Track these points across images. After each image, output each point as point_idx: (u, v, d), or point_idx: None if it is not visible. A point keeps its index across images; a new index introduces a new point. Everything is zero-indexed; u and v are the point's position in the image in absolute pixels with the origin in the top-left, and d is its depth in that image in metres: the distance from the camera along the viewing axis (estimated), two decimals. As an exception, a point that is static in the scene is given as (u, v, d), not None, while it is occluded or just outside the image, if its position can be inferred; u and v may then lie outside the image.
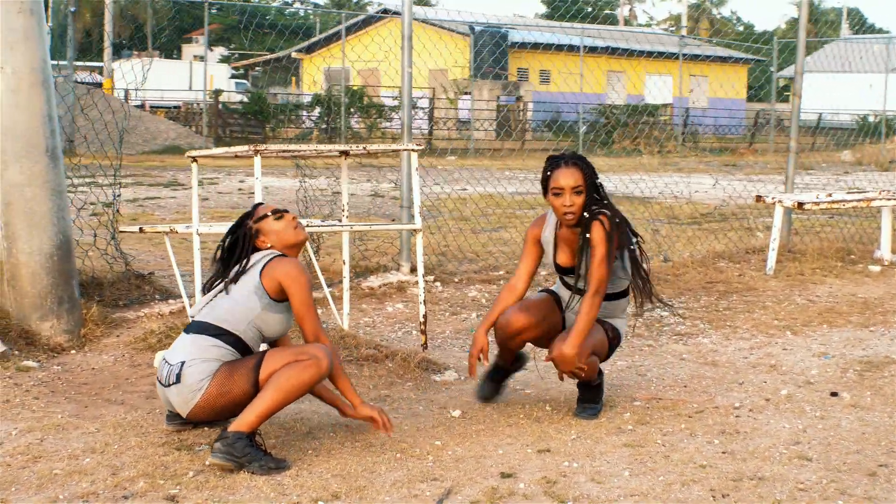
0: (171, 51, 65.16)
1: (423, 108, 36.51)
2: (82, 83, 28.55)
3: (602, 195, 5.61)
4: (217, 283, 5.17)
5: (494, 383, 6.00)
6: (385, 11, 41.16)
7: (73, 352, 6.87)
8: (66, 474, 4.68)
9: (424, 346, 6.72)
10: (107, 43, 45.35)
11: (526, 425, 5.56)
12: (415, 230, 6.73)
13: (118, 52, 57.52)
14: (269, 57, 50.76)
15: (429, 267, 9.34)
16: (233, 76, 56.73)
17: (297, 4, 52.89)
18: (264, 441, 4.93)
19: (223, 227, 6.86)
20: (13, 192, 6.87)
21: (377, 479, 4.71)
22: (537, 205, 15.88)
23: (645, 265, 5.77)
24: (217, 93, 35.94)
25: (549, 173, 5.57)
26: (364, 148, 6.60)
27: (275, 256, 5.13)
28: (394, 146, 7.11)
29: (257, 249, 5.21)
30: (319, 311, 7.87)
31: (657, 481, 4.74)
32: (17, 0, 6.86)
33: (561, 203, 5.53)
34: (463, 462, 4.96)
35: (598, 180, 5.61)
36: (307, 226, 7.21)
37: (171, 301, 7.85)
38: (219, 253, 5.29)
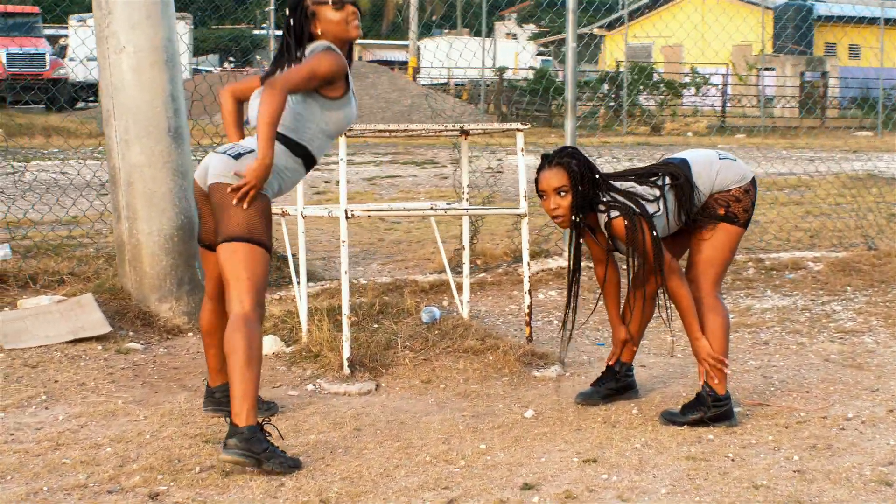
0: (480, 29, 65.66)
1: (715, 85, 35.46)
2: (371, 62, 29.01)
3: (606, 188, 5.07)
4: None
5: (597, 390, 5.59)
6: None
7: (189, 334, 6.81)
8: (72, 464, 4.57)
9: (529, 338, 6.34)
10: (413, 21, 46.17)
11: (596, 429, 5.11)
12: (520, 215, 6.35)
13: (429, 31, 58.42)
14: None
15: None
16: (539, 53, 56.74)
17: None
18: (272, 429, 4.67)
19: (322, 211, 6.61)
20: (134, 172, 6.86)
21: (386, 484, 4.40)
22: (786, 186, 15.04)
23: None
24: (501, 70, 35.91)
25: (536, 176, 5.13)
26: (462, 127, 6.25)
27: (324, 49, 4.80)
28: (497, 125, 6.72)
29: (313, 38, 4.88)
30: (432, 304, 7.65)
31: (690, 502, 4.24)
32: (140, -20, 6.84)
33: (546, 206, 5.11)
34: (493, 470, 4.58)
35: (596, 175, 5.06)
36: (430, 208, 6.93)
37: (309, 284, 7.67)
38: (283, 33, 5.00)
